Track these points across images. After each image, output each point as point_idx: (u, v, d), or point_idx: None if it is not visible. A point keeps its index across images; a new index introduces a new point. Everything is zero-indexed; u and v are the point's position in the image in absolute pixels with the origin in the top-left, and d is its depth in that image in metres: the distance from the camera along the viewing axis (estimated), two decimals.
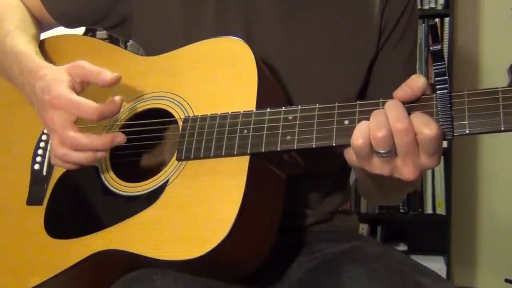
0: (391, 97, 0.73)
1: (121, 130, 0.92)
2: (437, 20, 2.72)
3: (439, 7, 2.73)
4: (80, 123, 0.85)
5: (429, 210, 2.80)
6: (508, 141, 2.83)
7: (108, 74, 0.84)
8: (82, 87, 0.87)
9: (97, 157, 0.84)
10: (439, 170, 2.78)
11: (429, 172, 2.79)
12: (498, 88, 0.68)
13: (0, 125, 1.03)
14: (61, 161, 0.86)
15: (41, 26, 1.06)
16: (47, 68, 0.89)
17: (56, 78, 0.85)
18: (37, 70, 0.89)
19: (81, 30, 2.40)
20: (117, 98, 0.84)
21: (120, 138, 0.84)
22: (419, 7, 2.67)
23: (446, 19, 2.71)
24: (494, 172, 2.92)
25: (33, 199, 0.94)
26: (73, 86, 0.85)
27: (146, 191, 0.84)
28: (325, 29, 0.97)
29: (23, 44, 0.95)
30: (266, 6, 0.96)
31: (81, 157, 0.84)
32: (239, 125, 0.81)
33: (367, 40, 0.98)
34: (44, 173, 0.95)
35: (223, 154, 0.80)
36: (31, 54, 0.93)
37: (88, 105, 0.82)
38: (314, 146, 0.75)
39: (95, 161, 0.85)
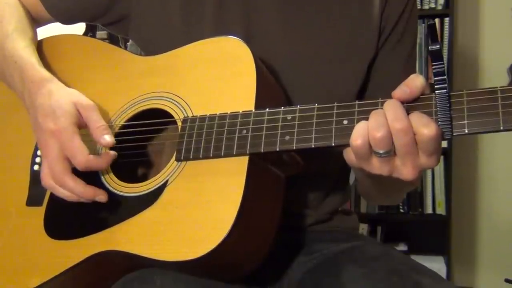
0: (390, 97, 0.73)
1: (120, 130, 0.92)
2: (437, 20, 2.72)
3: (439, 7, 2.72)
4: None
5: (429, 210, 2.79)
6: (508, 141, 2.82)
7: (106, 137, 0.86)
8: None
9: (79, 201, 0.87)
10: (439, 170, 2.77)
11: (429, 172, 2.78)
12: (497, 87, 0.68)
13: None
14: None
15: (37, 23, 1.06)
16: (51, 83, 0.90)
17: (63, 107, 0.86)
18: (40, 82, 0.90)
19: (81, 29, 2.41)
20: (111, 153, 0.86)
21: (102, 197, 0.86)
22: (419, 7, 2.67)
23: (446, 19, 2.70)
24: (494, 172, 2.91)
25: (32, 200, 0.94)
26: (78, 122, 0.86)
27: (146, 191, 0.84)
28: (325, 29, 0.97)
29: (23, 49, 0.95)
30: (266, 6, 0.96)
31: (66, 195, 0.87)
32: (238, 125, 0.80)
33: (367, 40, 0.98)
34: None
35: (222, 154, 0.80)
36: (31, 61, 0.93)
37: (80, 154, 0.84)
38: (313, 146, 0.75)
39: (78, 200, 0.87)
